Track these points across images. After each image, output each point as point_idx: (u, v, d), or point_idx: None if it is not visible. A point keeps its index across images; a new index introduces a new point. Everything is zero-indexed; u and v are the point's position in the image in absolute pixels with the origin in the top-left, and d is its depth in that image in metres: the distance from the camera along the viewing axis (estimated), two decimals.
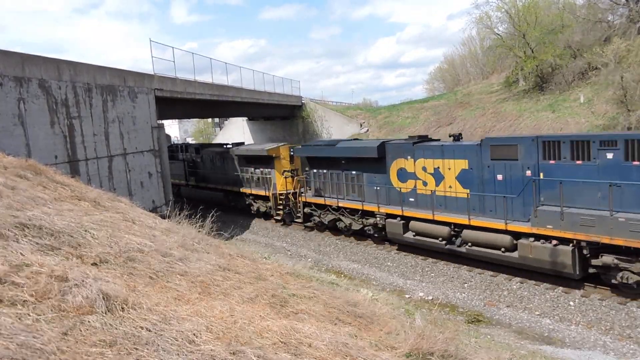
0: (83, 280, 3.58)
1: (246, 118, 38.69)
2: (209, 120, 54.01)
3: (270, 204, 22.05)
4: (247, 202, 23.80)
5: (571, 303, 11.29)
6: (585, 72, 28.31)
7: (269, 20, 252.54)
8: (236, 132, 40.72)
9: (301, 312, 5.69)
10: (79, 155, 13.40)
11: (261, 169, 22.48)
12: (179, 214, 7.49)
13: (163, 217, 7.80)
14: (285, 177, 21.37)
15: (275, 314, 5.10)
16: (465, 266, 14.17)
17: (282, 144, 22.67)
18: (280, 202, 21.44)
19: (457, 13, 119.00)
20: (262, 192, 22.46)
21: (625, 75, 22.01)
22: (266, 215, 23.11)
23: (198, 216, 7.75)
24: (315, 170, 19.40)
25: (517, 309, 11.57)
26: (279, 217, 21.81)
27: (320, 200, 18.97)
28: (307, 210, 19.83)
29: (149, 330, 3.26)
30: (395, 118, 35.76)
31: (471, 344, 7.50)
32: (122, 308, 3.45)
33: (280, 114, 35.62)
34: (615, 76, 22.68)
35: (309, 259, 16.87)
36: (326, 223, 18.91)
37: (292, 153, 21.61)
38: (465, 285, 13.20)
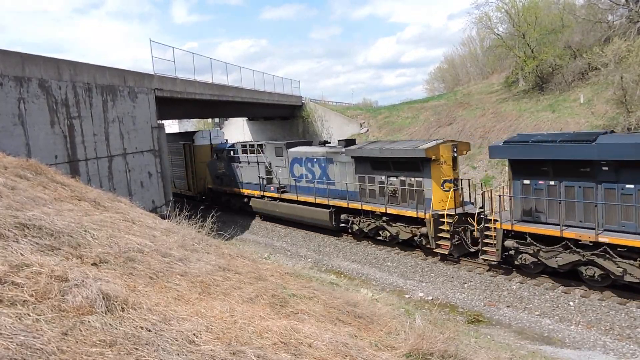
0: (83, 281, 3.58)
1: (246, 118, 38.69)
2: (209, 120, 54.04)
3: (424, 229, 14.93)
4: (373, 225, 16.80)
5: (571, 303, 11.29)
6: (585, 73, 28.32)
7: (269, 20, 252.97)
8: (236, 132, 40.75)
9: (301, 312, 5.69)
10: (79, 155, 13.40)
11: (402, 178, 15.72)
12: (179, 214, 7.50)
13: (163, 217, 7.81)
14: (448, 190, 14.75)
15: (275, 314, 5.10)
16: (465, 266, 14.17)
17: (441, 140, 15.53)
18: (447, 227, 14.30)
19: (457, 13, 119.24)
20: (407, 212, 15.21)
21: (625, 75, 22.02)
22: (407, 245, 16.13)
23: (198, 216, 7.76)
24: (526, 181, 12.66)
25: (517, 309, 11.57)
26: (444, 250, 14.51)
27: (544, 230, 11.96)
28: (509, 243, 12.76)
29: (149, 331, 3.26)
30: (396, 118, 35.77)
31: (471, 344, 7.51)
32: (122, 308, 3.45)
33: (280, 114, 35.64)
34: (615, 76, 22.69)
35: (309, 259, 16.87)
36: (556, 266, 11.94)
37: (456, 154, 15.11)
38: (465, 285, 13.20)
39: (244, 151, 23.13)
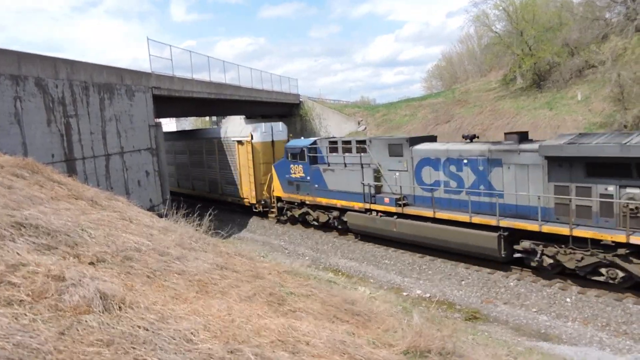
0: (80, 280, 3.58)
1: (244, 116, 38.67)
2: (207, 118, 53.98)
3: None
4: (592, 260, 11.25)
5: (568, 300, 11.34)
6: (583, 70, 28.37)
7: (268, 18, 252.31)
8: None
9: (299, 310, 5.71)
10: (76, 154, 13.38)
11: None
12: (176, 213, 7.50)
13: (160, 215, 7.81)
14: None
15: (273, 312, 5.11)
16: (462, 263, 14.21)
17: None
18: None
19: (456, 11, 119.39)
20: None
21: (622, 73, 22.07)
22: None
23: (195, 215, 7.75)
24: None
25: (514, 306, 11.61)
26: None
27: None
28: None
29: (147, 330, 3.27)
30: (393, 116, 35.79)
31: (469, 341, 7.54)
32: (120, 307, 3.45)
33: (278, 112, 35.63)
34: (612, 74, 22.74)
35: (307, 257, 16.89)
36: None
37: None
38: (463, 282, 13.24)
39: (334, 149, 18.08)
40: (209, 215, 7.73)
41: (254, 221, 22.84)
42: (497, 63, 37.94)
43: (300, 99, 37.22)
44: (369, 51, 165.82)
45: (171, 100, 20.17)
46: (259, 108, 32.29)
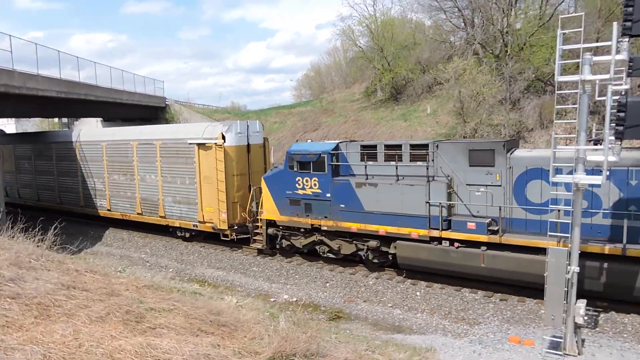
0: None
1: (101, 119, 35.54)
2: (56, 120, 48.40)
3: None
4: None
5: (417, 293, 12.59)
6: (432, 86, 31.87)
7: (131, 14, 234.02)
8: None
9: (159, 326, 5.46)
10: None
11: None
12: (12, 227, 6.59)
13: None
14: None
15: (130, 331, 4.83)
16: (327, 266, 14.87)
17: None
18: None
19: (324, 24, 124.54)
20: None
21: (462, 90, 25.31)
22: None
23: (37, 228, 6.89)
24: None
25: (373, 303, 12.51)
26: None
27: None
28: None
29: None
30: (264, 123, 36.09)
31: (332, 340, 7.92)
32: None
33: (141, 115, 33.43)
34: (454, 91, 25.94)
35: (170, 269, 16.07)
36: None
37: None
38: (327, 284, 13.86)
39: (371, 156, 13.86)
40: (54, 228, 6.94)
41: (110, 233, 21.04)
42: (361, 76, 40.72)
43: (167, 102, 35.53)
44: (240, 57, 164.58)
45: (9, 97, 17.73)
46: (120, 110, 29.98)
